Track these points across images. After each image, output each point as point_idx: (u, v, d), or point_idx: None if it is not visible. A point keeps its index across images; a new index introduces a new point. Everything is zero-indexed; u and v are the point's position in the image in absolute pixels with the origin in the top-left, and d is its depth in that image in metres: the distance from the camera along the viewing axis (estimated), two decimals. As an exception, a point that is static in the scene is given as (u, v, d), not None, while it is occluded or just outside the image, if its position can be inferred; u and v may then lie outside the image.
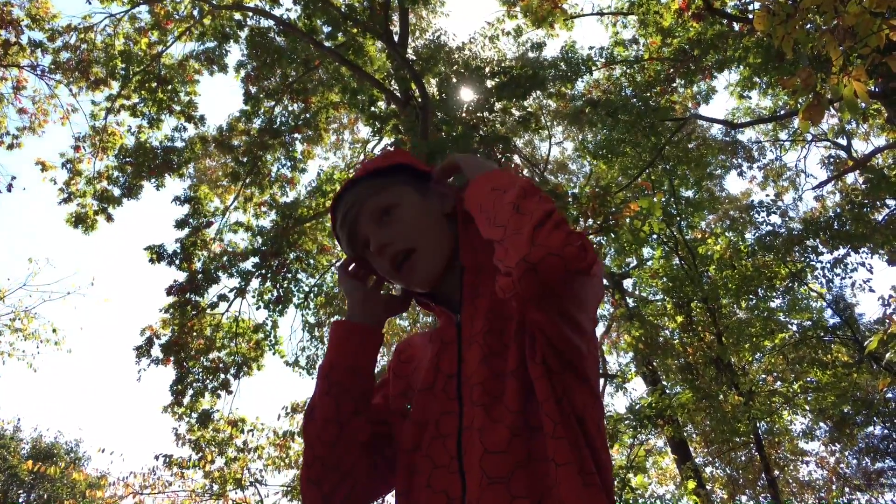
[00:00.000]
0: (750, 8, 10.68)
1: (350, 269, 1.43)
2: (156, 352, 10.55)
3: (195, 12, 11.52)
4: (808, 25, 4.71)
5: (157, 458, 11.15)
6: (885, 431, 16.25)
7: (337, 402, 1.27)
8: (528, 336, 1.14)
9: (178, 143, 11.75)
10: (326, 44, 10.67)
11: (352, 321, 1.35)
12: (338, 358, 1.31)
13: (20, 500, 21.32)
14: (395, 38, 10.81)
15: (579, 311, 1.09)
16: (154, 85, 11.44)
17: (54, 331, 14.80)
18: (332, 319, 12.62)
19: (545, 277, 0.99)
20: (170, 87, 11.54)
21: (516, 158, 12.76)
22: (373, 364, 1.34)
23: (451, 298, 1.36)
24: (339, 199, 1.38)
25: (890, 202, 12.64)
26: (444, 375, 1.25)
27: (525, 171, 14.91)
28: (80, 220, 11.37)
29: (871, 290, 12.74)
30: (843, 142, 15.84)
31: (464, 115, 10.07)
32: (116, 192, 11.53)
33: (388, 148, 10.88)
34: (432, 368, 1.28)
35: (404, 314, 15.21)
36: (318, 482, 1.25)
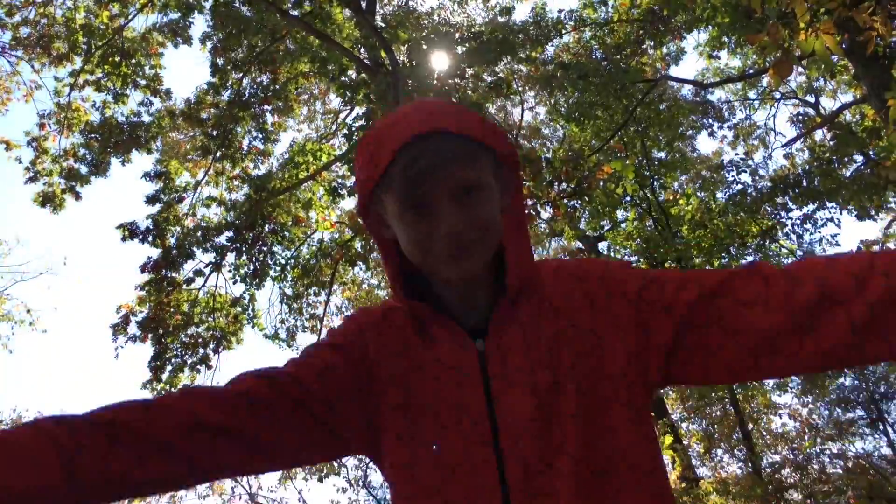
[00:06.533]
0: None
1: None
2: (133, 329, 10.50)
3: (157, -17, 11.25)
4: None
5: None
6: (856, 382, 16.70)
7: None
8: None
9: (145, 118, 11.59)
10: (293, 13, 10.50)
11: None
12: None
13: None
14: (363, 4, 10.66)
15: None
16: (117, 59, 11.18)
17: (28, 311, 14.67)
18: (310, 291, 12.55)
19: None
20: (133, 60, 11.31)
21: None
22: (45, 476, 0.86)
23: (465, 311, 1.12)
24: (415, 138, 1.00)
25: (857, 158, 12.83)
26: (472, 416, 1.04)
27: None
28: (48, 200, 11.17)
29: (838, 245, 12.95)
30: (812, 99, 16.01)
31: (435, 81, 10.01)
32: (84, 169, 11.34)
33: (360, 117, 10.74)
34: (452, 405, 1.06)
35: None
36: None
